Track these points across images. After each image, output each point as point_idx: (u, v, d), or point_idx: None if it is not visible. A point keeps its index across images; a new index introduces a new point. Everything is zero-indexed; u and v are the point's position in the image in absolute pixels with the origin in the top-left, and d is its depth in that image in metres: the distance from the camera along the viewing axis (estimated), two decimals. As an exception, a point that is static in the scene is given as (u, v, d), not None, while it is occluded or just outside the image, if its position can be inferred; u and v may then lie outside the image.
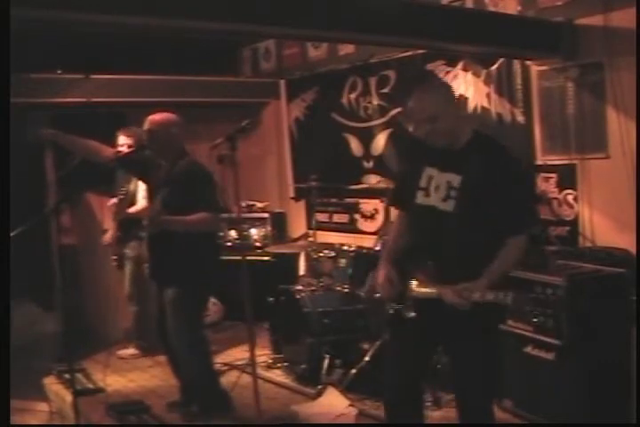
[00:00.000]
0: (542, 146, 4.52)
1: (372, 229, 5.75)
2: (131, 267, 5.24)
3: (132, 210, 5.01)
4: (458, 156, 2.77)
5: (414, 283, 2.80)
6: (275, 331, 4.96)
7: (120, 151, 4.56)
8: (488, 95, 4.76)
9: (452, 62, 4.96)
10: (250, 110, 6.48)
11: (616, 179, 4.07)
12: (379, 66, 5.58)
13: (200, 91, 6.19)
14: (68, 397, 4.23)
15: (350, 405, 3.98)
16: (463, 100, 4.89)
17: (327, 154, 6.17)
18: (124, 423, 3.99)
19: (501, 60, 4.63)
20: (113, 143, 4.87)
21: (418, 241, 2.89)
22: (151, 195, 4.12)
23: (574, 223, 4.34)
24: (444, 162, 2.79)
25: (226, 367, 4.87)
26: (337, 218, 6.19)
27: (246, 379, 4.13)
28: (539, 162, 4.53)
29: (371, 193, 5.59)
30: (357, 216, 5.99)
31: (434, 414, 3.87)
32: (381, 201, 5.51)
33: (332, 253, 5.05)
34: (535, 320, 3.62)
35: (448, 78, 4.97)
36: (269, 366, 4.86)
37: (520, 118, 4.60)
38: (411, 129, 2.81)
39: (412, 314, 2.79)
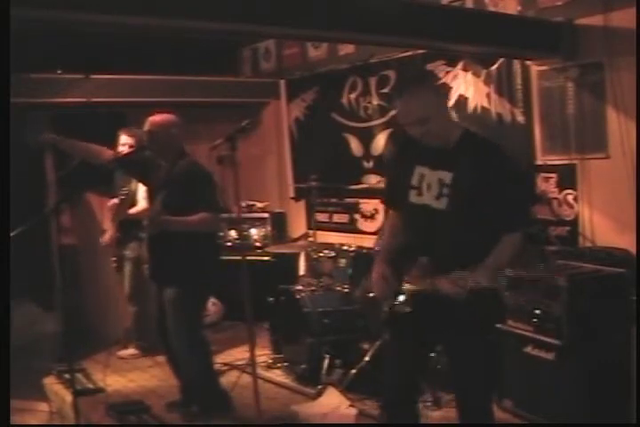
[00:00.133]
0: (542, 146, 4.52)
1: (372, 229, 5.75)
2: (130, 267, 5.24)
3: (132, 211, 5.01)
4: (449, 154, 2.78)
5: (409, 277, 2.79)
6: (275, 331, 4.96)
7: (120, 152, 4.56)
8: (488, 95, 4.76)
9: (451, 62, 4.96)
10: (250, 110, 6.48)
11: (616, 179, 4.07)
12: (379, 66, 5.58)
13: (200, 91, 6.19)
14: (68, 397, 4.23)
15: (350, 405, 3.98)
16: (463, 100, 4.90)
17: (327, 154, 6.17)
18: (123, 423, 3.99)
19: (501, 60, 4.63)
20: (113, 143, 4.88)
21: (412, 240, 2.89)
22: (151, 195, 4.13)
23: (574, 223, 4.34)
24: (435, 160, 2.79)
25: (226, 367, 4.87)
26: (337, 218, 6.19)
27: (246, 379, 4.13)
28: (539, 162, 4.53)
29: (371, 193, 5.59)
30: (357, 216, 5.99)
31: (434, 415, 3.87)
32: (381, 201, 5.50)
33: (332, 253, 5.06)
34: (535, 320, 3.62)
35: (448, 78, 4.98)
36: (269, 366, 4.86)
37: (520, 118, 4.60)
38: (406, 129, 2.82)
39: (408, 309, 2.79)
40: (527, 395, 3.72)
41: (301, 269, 5.99)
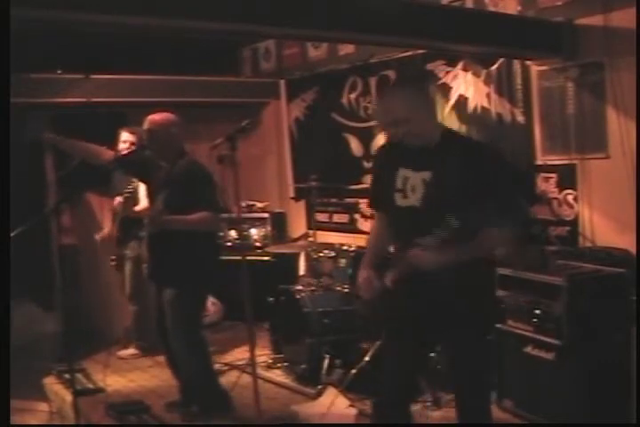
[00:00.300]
0: (542, 146, 4.52)
1: (372, 229, 5.74)
2: (131, 267, 5.24)
3: (137, 208, 5.01)
4: (431, 154, 2.77)
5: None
6: (275, 331, 4.96)
7: (120, 151, 4.56)
8: (488, 95, 4.75)
9: (451, 62, 4.95)
10: (250, 110, 6.48)
11: (616, 179, 4.07)
12: (379, 66, 5.57)
13: (200, 91, 6.19)
14: (68, 397, 4.24)
15: (350, 405, 3.98)
16: (463, 100, 4.90)
17: (327, 154, 6.17)
18: (123, 423, 3.99)
19: (501, 60, 4.62)
20: (113, 143, 4.88)
21: (399, 243, 2.90)
22: (151, 195, 4.13)
23: (574, 223, 4.34)
24: (418, 162, 2.79)
25: (226, 367, 4.87)
26: (337, 218, 6.19)
27: (246, 379, 4.13)
28: (539, 162, 4.53)
29: (371, 193, 5.58)
30: (357, 216, 5.99)
31: (434, 415, 3.87)
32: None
33: (332, 253, 5.06)
34: (535, 320, 3.62)
35: (448, 78, 4.98)
36: (269, 366, 4.86)
37: (520, 118, 4.60)
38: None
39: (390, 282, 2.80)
40: (527, 395, 3.72)
41: (301, 269, 5.99)
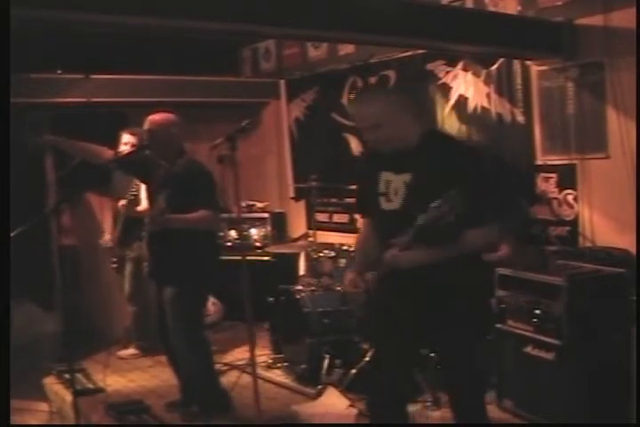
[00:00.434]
0: (542, 146, 4.52)
1: (372, 229, 5.74)
2: (130, 267, 5.24)
3: (139, 208, 5.01)
4: (411, 156, 2.77)
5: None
6: (275, 331, 4.96)
7: (120, 151, 4.56)
8: (488, 95, 4.75)
9: (451, 62, 4.95)
10: (250, 110, 6.48)
11: (616, 179, 4.07)
12: (379, 66, 5.57)
13: (200, 91, 6.19)
14: (68, 397, 4.23)
15: (350, 405, 3.98)
16: (463, 100, 4.90)
17: (327, 154, 6.17)
18: (123, 423, 3.99)
19: (501, 60, 4.62)
20: (113, 143, 4.87)
21: (386, 247, 2.90)
22: (151, 195, 4.13)
23: (574, 223, 4.34)
24: (398, 164, 2.80)
25: (226, 367, 4.87)
26: (337, 218, 6.19)
27: (246, 379, 4.13)
28: (539, 162, 4.53)
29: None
30: (357, 216, 5.99)
31: (434, 415, 3.87)
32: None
33: (332, 253, 5.06)
34: (535, 320, 3.62)
35: (448, 78, 4.98)
36: (269, 366, 4.86)
37: (520, 118, 4.60)
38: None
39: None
40: (527, 395, 3.72)
41: (301, 269, 5.99)
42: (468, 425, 2.92)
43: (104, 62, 5.68)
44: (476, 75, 4.82)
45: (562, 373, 3.50)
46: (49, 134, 4.52)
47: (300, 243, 5.97)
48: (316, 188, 5.42)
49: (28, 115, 5.29)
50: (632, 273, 3.56)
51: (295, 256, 6.13)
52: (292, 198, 6.67)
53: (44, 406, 4.54)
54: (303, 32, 3.64)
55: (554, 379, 3.54)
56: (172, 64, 6.24)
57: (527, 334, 3.70)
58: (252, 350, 3.52)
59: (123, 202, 5.02)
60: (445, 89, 5.01)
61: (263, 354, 4.96)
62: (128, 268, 5.26)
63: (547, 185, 4.48)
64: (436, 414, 3.89)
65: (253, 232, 6.37)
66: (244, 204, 6.19)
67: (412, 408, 3.81)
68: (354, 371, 4.23)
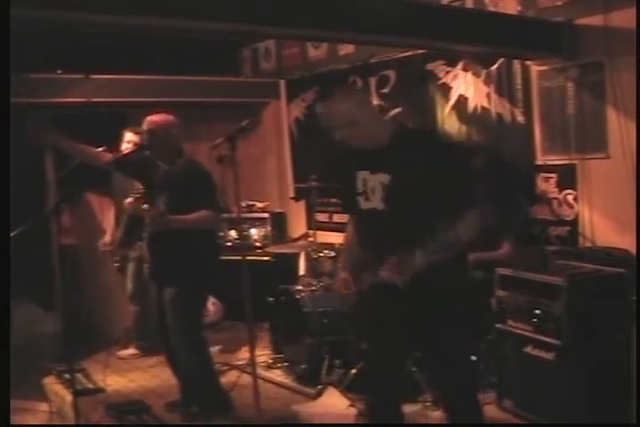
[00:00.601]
0: (542, 146, 4.52)
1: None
2: (133, 267, 5.24)
3: (146, 206, 4.99)
4: (384, 155, 2.79)
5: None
6: (275, 331, 4.96)
7: (120, 152, 4.56)
8: (488, 95, 4.76)
9: (451, 62, 4.95)
10: (250, 110, 6.48)
11: (616, 179, 4.07)
12: (379, 66, 5.57)
13: (200, 91, 6.19)
14: (68, 397, 4.23)
15: (350, 405, 3.98)
16: (463, 100, 4.90)
17: (327, 154, 6.16)
18: (123, 423, 3.99)
19: (501, 60, 4.63)
20: (113, 143, 4.87)
21: (364, 245, 2.92)
22: (150, 195, 4.13)
23: (574, 223, 4.34)
24: (372, 163, 2.81)
25: (226, 367, 4.86)
26: (337, 218, 6.18)
27: (246, 379, 4.13)
28: (539, 162, 4.54)
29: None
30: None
31: (434, 415, 3.87)
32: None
33: (332, 253, 5.06)
34: (535, 320, 3.62)
35: (448, 78, 4.98)
36: (269, 366, 4.85)
37: (520, 118, 4.60)
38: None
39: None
40: (527, 395, 3.72)
41: (301, 269, 5.99)
42: (468, 425, 2.92)
43: (104, 62, 5.68)
44: (476, 75, 4.82)
45: (562, 373, 3.50)
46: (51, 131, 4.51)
47: (300, 243, 5.97)
48: (315, 188, 5.42)
49: (27, 115, 5.29)
50: (632, 273, 3.56)
51: (295, 256, 6.13)
52: (292, 198, 6.67)
53: (44, 406, 4.54)
54: (303, 32, 3.64)
55: (554, 379, 3.53)
56: (172, 64, 6.24)
57: (527, 334, 3.69)
58: (252, 350, 3.51)
59: (130, 199, 4.99)
60: (445, 89, 5.01)
61: (263, 354, 4.95)
62: (130, 268, 5.25)
63: (547, 185, 4.48)
64: (436, 415, 3.88)
65: (253, 232, 6.37)
66: (243, 204, 6.19)
67: (412, 408, 3.81)
68: (354, 371, 4.23)
